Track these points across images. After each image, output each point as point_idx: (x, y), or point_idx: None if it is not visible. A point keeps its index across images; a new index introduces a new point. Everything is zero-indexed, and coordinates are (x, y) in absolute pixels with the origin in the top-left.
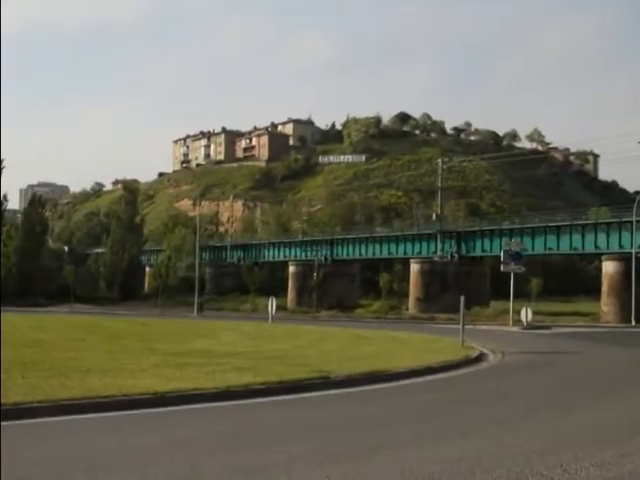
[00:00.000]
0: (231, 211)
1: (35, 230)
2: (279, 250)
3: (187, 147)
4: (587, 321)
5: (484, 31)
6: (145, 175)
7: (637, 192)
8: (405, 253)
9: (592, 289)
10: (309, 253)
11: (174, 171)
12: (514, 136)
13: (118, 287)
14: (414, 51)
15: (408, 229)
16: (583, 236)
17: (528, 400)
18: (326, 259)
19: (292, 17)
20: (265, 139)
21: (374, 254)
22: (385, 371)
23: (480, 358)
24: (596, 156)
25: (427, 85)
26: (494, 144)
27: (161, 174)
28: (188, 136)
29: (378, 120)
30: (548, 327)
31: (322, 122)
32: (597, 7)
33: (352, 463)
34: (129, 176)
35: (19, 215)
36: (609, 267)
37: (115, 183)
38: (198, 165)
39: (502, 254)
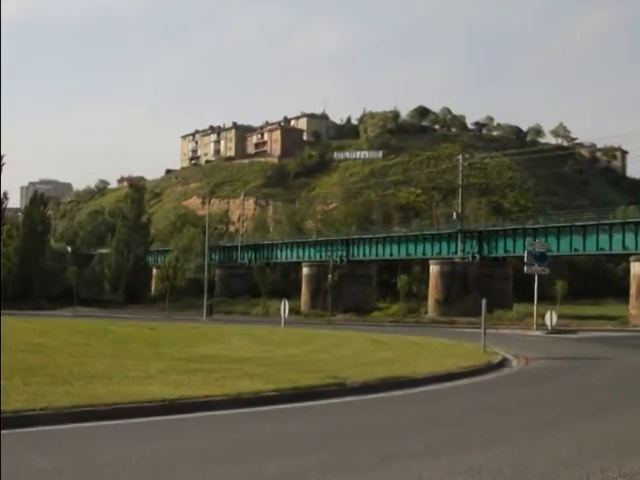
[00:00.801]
0: (242, 210)
1: (37, 230)
2: (292, 250)
3: (196, 143)
4: (614, 325)
5: (507, 22)
6: (152, 172)
7: None
8: (424, 254)
9: (620, 291)
10: (324, 254)
11: (182, 168)
12: (538, 131)
13: (123, 289)
14: (433, 43)
15: (427, 229)
16: (610, 236)
17: (552, 407)
18: (341, 260)
19: (306, 7)
20: (277, 134)
21: (392, 255)
22: (403, 377)
23: (502, 364)
24: (624, 152)
25: (447, 78)
26: (517, 140)
27: (168, 171)
28: (197, 131)
29: (396, 114)
30: (574, 331)
31: (337, 116)
32: None
33: (368, 473)
34: (135, 173)
35: (20, 214)
36: (637, 268)
37: (120, 180)
38: (207, 162)
39: (526, 255)
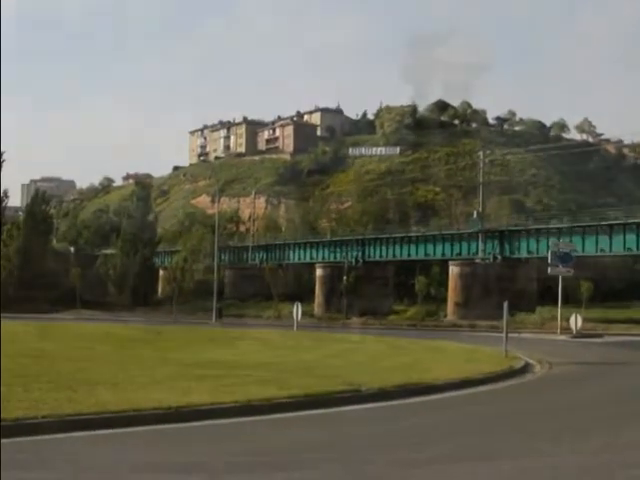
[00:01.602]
0: (253, 208)
1: (38, 229)
2: (305, 251)
3: (205, 138)
4: None
5: (529, 12)
6: (159, 169)
7: None
8: (443, 254)
9: None
10: (338, 254)
11: (190, 165)
12: (562, 126)
13: (129, 291)
14: (453, 34)
15: (446, 228)
16: (638, 236)
17: (576, 415)
18: (357, 261)
19: None
20: (290, 129)
21: (409, 255)
22: (421, 383)
23: (525, 369)
24: None
25: (467, 71)
26: (540, 135)
27: (176, 168)
28: (206, 126)
29: (414, 109)
30: (600, 335)
31: (352, 111)
32: None
33: None
34: (141, 170)
35: (21, 213)
36: None
37: (126, 178)
38: (217, 158)
39: (549, 255)
